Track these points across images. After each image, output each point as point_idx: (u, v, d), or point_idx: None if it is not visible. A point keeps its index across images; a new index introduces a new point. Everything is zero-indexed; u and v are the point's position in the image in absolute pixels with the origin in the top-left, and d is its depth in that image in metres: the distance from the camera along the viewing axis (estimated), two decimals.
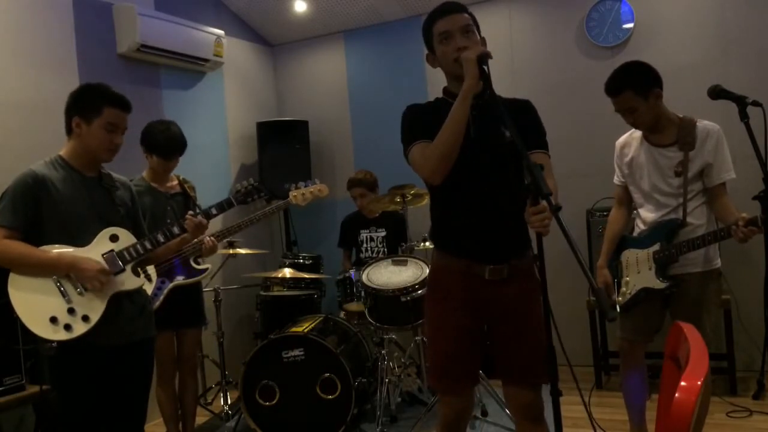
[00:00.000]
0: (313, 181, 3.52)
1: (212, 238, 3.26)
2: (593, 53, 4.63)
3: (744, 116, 2.92)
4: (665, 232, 2.73)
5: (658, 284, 2.72)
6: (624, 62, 2.84)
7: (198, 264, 3.31)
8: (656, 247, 2.74)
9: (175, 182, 3.38)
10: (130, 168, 3.34)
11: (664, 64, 4.37)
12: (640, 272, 2.80)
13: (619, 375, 4.28)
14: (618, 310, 2.84)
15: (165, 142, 3.22)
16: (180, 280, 3.23)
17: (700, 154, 2.67)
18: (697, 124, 2.71)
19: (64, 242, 2.27)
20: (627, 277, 2.84)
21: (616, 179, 2.97)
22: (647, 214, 2.82)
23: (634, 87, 2.68)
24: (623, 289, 2.85)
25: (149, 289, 3.05)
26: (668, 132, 2.72)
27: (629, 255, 2.86)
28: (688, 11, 4.38)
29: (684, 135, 2.67)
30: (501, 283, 2.10)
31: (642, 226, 2.86)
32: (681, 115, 2.75)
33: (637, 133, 2.85)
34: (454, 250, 2.16)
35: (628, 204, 2.95)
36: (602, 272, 2.90)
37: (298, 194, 3.45)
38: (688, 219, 2.69)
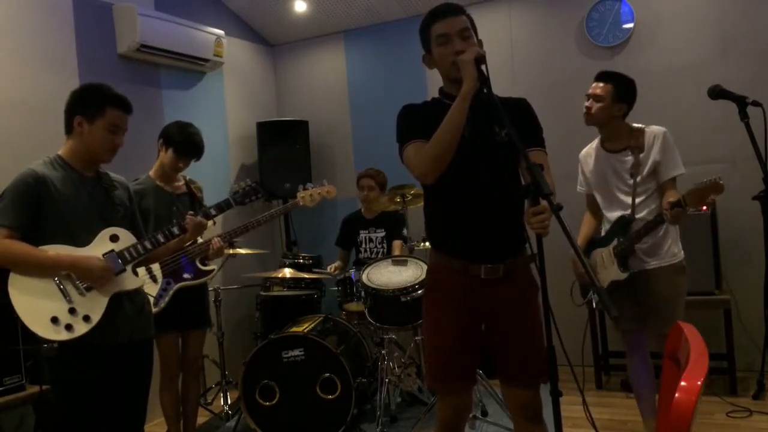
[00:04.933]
0: (321, 182, 3.52)
1: (219, 239, 3.25)
2: (593, 53, 4.63)
3: (744, 116, 2.98)
4: (619, 228, 2.96)
5: (621, 275, 2.92)
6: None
7: (204, 265, 3.30)
8: (615, 242, 2.97)
9: (182, 183, 3.37)
10: (133, 168, 3.34)
11: (664, 63, 4.42)
12: (606, 268, 3.01)
13: (619, 375, 4.32)
14: (594, 305, 3.09)
15: (186, 140, 3.23)
16: (186, 278, 3.23)
17: (649, 155, 2.88)
18: (646, 129, 2.93)
19: (65, 242, 2.26)
20: (597, 275, 3.05)
21: (582, 189, 3.20)
22: (612, 213, 3.01)
23: (617, 85, 2.91)
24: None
25: (154, 289, 3.05)
26: (621, 139, 2.95)
27: (596, 255, 3.07)
28: (688, 11, 4.38)
29: (634, 140, 2.91)
30: (497, 282, 2.10)
31: (606, 225, 3.07)
32: (633, 125, 2.97)
33: (595, 144, 3.08)
34: (449, 249, 2.17)
35: (597, 209, 3.15)
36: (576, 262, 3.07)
37: (306, 195, 3.45)
38: (638, 215, 2.91)
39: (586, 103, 2.95)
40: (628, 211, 2.93)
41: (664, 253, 2.91)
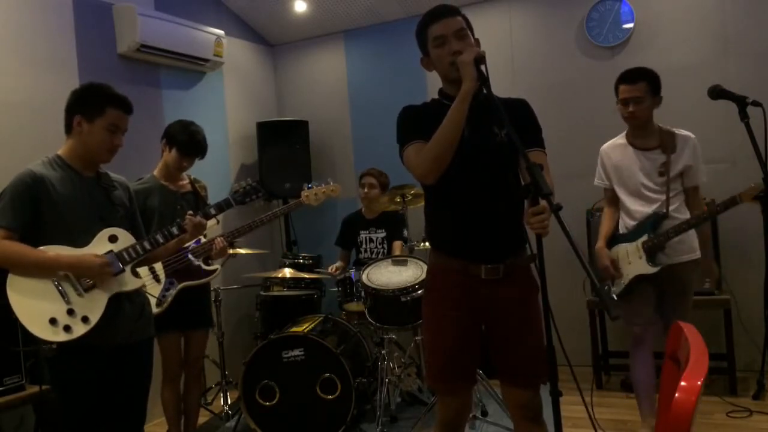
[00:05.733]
0: (325, 181, 3.52)
1: (222, 238, 3.25)
2: (593, 53, 4.63)
3: (744, 116, 3.01)
4: (650, 224, 3.02)
5: (650, 269, 3.00)
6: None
7: (208, 265, 3.30)
8: (644, 238, 3.03)
9: (186, 182, 3.36)
10: (133, 168, 3.34)
11: (664, 64, 4.40)
12: (631, 263, 3.07)
13: (619, 375, 4.32)
14: (615, 298, 3.13)
15: (189, 139, 3.22)
16: (196, 275, 3.23)
17: (681, 157, 2.99)
18: (676, 132, 3.03)
19: (63, 243, 2.26)
20: (620, 270, 3.10)
21: (601, 183, 3.26)
22: (637, 207, 3.08)
23: (650, 81, 3.00)
24: (619, 280, 3.10)
25: (157, 290, 3.04)
26: (652, 138, 3.05)
27: (619, 250, 3.13)
28: (688, 11, 4.38)
29: (666, 140, 3.01)
30: (497, 282, 2.10)
31: (629, 221, 3.13)
32: (661, 125, 3.06)
33: (620, 141, 3.16)
34: (449, 249, 2.17)
35: (617, 203, 3.22)
36: (603, 251, 3.16)
37: (311, 194, 3.45)
38: (671, 213, 3.01)
39: (630, 108, 3.00)
40: (653, 208, 3.02)
41: (689, 248, 3.04)
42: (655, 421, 3.05)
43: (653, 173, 3.02)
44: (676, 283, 3.03)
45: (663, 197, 3.02)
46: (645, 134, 3.05)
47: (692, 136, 3.03)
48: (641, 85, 2.97)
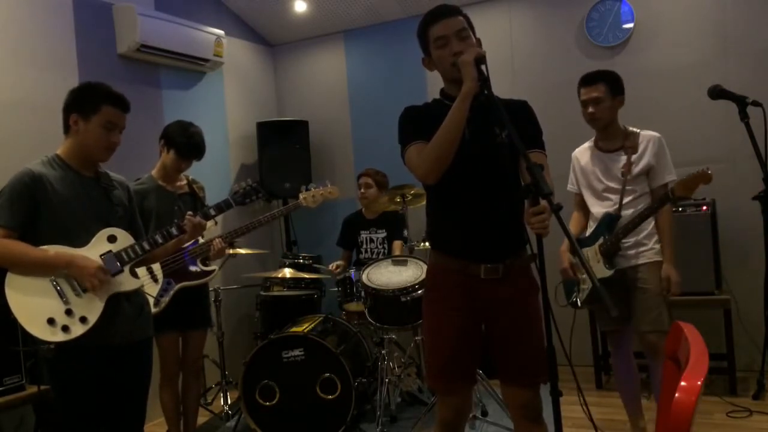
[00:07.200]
0: (323, 183, 3.52)
1: (220, 239, 3.25)
2: (593, 53, 4.63)
3: (744, 116, 3.01)
4: (605, 225, 2.96)
5: (606, 273, 2.90)
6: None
7: (206, 265, 3.30)
8: (600, 241, 2.97)
9: (184, 182, 3.36)
10: (132, 168, 3.35)
11: (664, 63, 4.42)
12: (592, 267, 2.97)
13: None
14: (579, 304, 3.05)
15: (187, 141, 3.22)
16: (193, 271, 3.23)
17: (642, 157, 2.92)
18: (640, 132, 2.96)
19: (62, 242, 2.25)
20: (583, 275, 3.03)
21: (572, 188, 3.19)
22: (600, 210, 3.01)
23: (608, 82, 2.93)
24: (582, 286, 3.04)
25: (155, 289, 3.04)
26: (616, 139, 2.99)
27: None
28: (688, 11, 4.38)
29: (628, 142, 2.95)
30: (497, 282, 2.10)
31: (593, 224, 3.06)
32: (628, 128, 3.01)
33: (588, 144, 3.11)
34: (449, 249, 2.17)
35: (586, 209, 3.15)
36: (564, 254, 3.07)
37: (308, 196, 3.45)
38: (624, 212, 2.91)
39: (590, 110, 2.95)
40: (614, 208, 2.95)
41: (649, 251, 2.93)
42: (643, 421, 3.06)
43: (615, 175, 2.96)
44: (640, 286, 2.90)
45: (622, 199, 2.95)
46: (609, 136, 2.99)
47: (656, 135, 2.94)
48: (599, 86, 2.91)
